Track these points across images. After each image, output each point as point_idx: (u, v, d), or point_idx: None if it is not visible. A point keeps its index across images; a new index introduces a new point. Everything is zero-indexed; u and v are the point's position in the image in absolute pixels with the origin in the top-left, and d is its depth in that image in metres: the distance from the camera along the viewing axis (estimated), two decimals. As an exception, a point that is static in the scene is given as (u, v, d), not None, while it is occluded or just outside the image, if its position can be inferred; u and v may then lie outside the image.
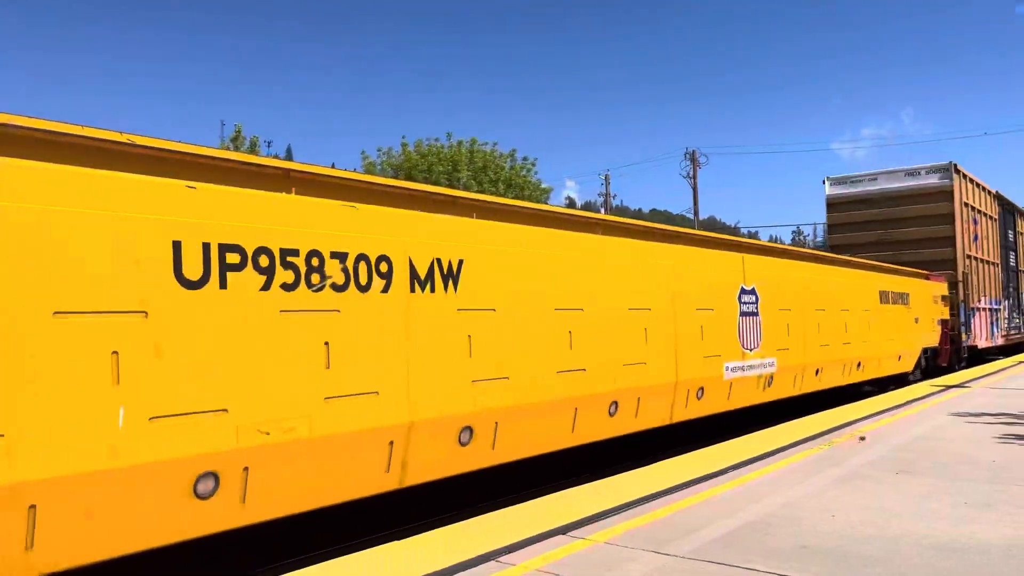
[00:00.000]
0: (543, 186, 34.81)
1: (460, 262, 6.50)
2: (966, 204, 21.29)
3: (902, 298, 17.24)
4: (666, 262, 9.40)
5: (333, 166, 6.54)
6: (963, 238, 20.84)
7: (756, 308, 11.19)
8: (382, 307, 5.84)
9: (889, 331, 16.31)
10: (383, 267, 5.87)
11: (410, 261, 6.07)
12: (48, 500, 4.09)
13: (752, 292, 11.17)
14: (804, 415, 11.71)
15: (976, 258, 21.97)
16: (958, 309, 20.39)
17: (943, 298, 19.84)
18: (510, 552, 5.02)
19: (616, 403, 8.29)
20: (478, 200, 7.48)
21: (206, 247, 4.77)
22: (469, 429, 6.54)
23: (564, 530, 5.49)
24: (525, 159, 34.16)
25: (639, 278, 8.84)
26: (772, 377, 11.57)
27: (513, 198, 29.60)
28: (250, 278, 5.01)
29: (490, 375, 6.69)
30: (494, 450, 6.86)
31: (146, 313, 4.47)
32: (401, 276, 5.99)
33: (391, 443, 5.84)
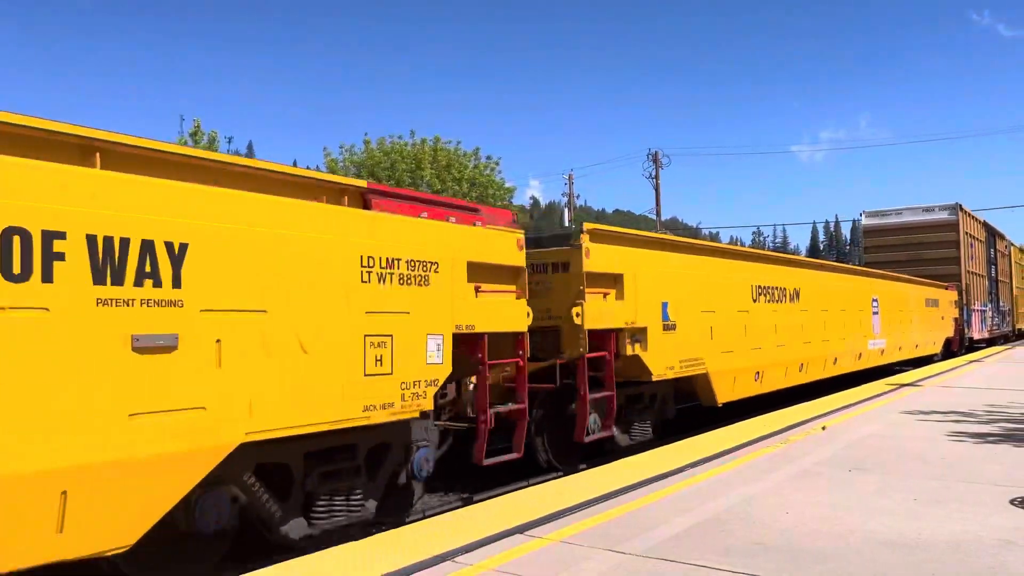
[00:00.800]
0: (507, 185, 34.84)
1: (799, 289, 14.15)
2: (966, 233, 28.06)
3: (936, 303, 24.58)
4: (853, 284, 17.92)
5: (295, 163, 6.71)
6: (964, 258, 27.55)
7: (878, 309, 18.78)
8: (788, 308, 13.61)
9: (930, 324, 23.97)
10: (787, 291, 13.66)
11: (787, 289, 13.63)
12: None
13: (876, 300, 18.71)
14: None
15: (972, 272, 28.63)
16: (961, 310, 27.57)
17: (955, 302, 26.79)
18: (467, 552, 5.01)
19: (836, 359, 16.09)
20: (806, 261, 17.75)
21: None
22: (801, 365, 14.09)
23: (521, 529, 5.49)
24: (489, 158, 34.17)
25: (845, 293, 16.93)
26: (883, 350, 19.25)
27: (476, 197, 29.61)
28: (761, 297, 12.77)
29: (806, 340, 14.23)
30: (802, 372, 14.16)
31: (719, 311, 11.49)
32: (788, 295, 13.68)
33: (757, 373, 12.40)
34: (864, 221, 29.76)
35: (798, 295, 14.08)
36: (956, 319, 26.97)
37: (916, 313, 22.55)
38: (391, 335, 6.08)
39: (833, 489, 6.62)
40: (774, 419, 10.98)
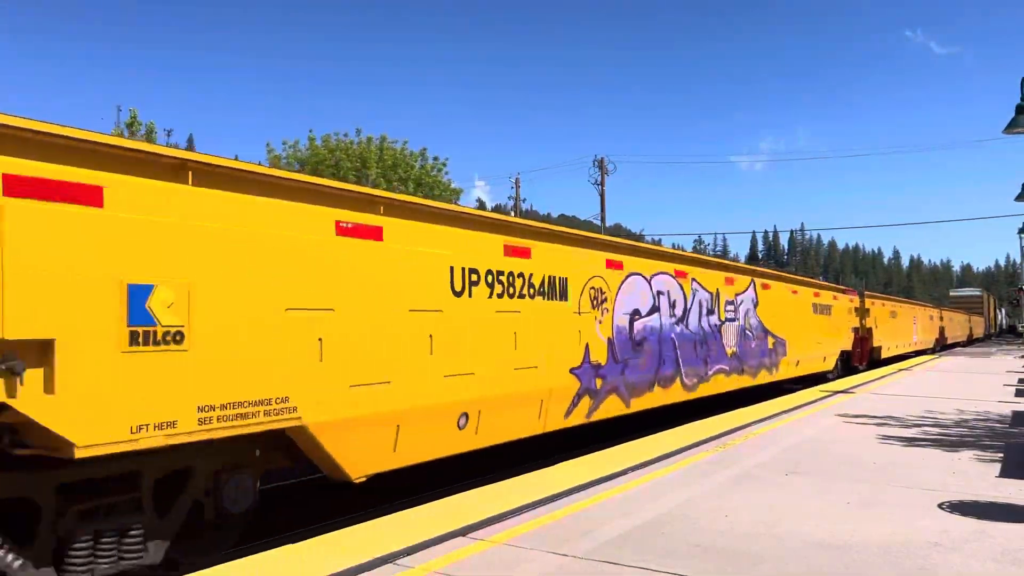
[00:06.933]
0: (453, 186, 34.68)
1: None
2: (983, 298, 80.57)
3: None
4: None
5: (236, 158, 6.46)
6: (984, 307, 78.35)
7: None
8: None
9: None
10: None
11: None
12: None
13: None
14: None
15: (987, 310, 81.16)
16: (986, 321, 79.01)
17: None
18: (409, 554, 4.97)
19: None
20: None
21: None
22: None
23: (464, 532, 5.47)
24: (436, 159, 33.96)
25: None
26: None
27: (422, 197, 29.40)
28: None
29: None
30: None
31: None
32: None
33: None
34: (951, 294, 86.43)
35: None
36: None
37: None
38: None
39: (770, 492, 6.76)
40: (714, 424, 11.16)
